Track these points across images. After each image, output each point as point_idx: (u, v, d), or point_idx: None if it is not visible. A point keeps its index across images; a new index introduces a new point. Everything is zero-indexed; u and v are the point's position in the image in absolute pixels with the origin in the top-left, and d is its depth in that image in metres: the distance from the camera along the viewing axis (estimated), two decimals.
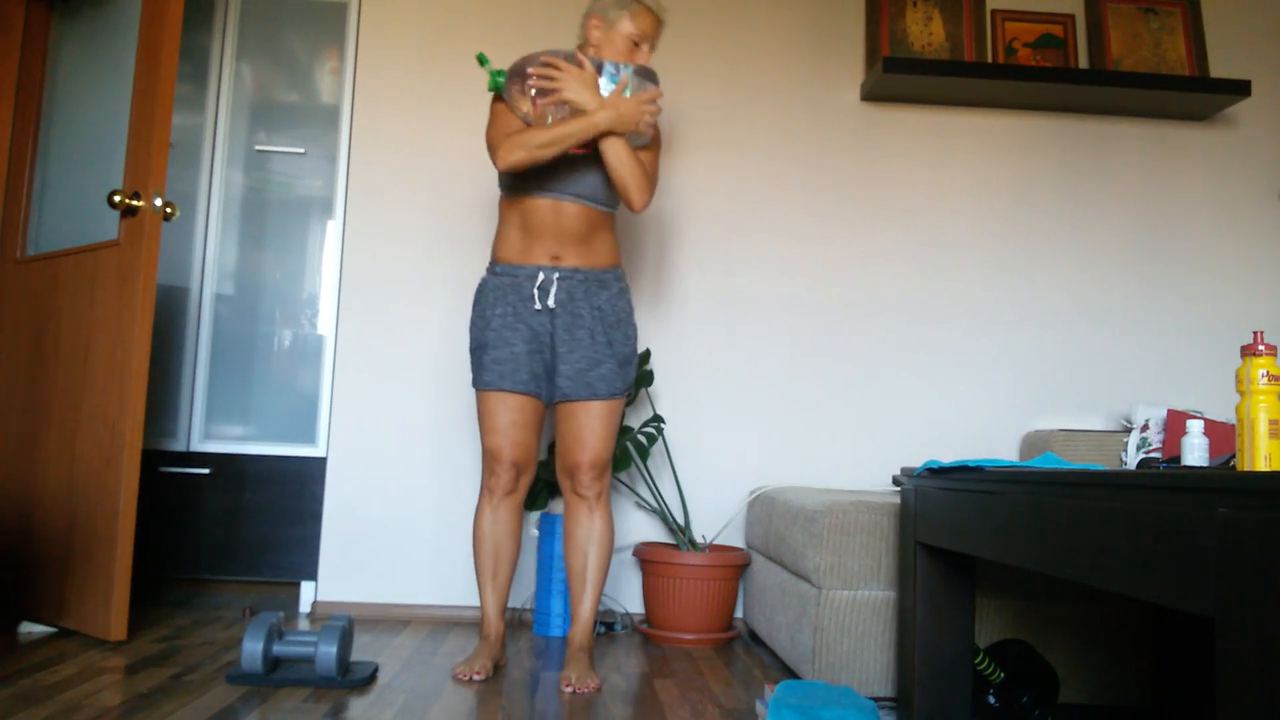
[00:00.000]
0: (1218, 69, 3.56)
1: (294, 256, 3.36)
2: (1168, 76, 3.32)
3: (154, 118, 2.70)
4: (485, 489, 2.55)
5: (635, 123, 2.43)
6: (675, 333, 3.37)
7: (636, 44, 2.55)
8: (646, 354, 3.20)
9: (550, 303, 2.49)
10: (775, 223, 3.44)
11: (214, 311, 3.31)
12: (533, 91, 2.44)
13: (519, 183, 2.50)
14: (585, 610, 2.55)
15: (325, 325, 3.34)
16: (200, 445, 3.27)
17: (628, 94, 2.46)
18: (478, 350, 2.54)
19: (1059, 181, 3.51)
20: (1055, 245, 3.49)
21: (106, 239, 2.80)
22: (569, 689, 2.38)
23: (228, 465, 3.26)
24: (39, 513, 2.85)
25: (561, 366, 2.51)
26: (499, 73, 2.47)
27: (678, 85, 3.44)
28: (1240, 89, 3.32)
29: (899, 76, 3.29)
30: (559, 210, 2.50)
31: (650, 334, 3.37)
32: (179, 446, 3.26)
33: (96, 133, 2.95)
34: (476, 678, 2.43)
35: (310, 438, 3.30)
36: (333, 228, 3.36)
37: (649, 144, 2.55)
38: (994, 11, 3.52)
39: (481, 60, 2.48)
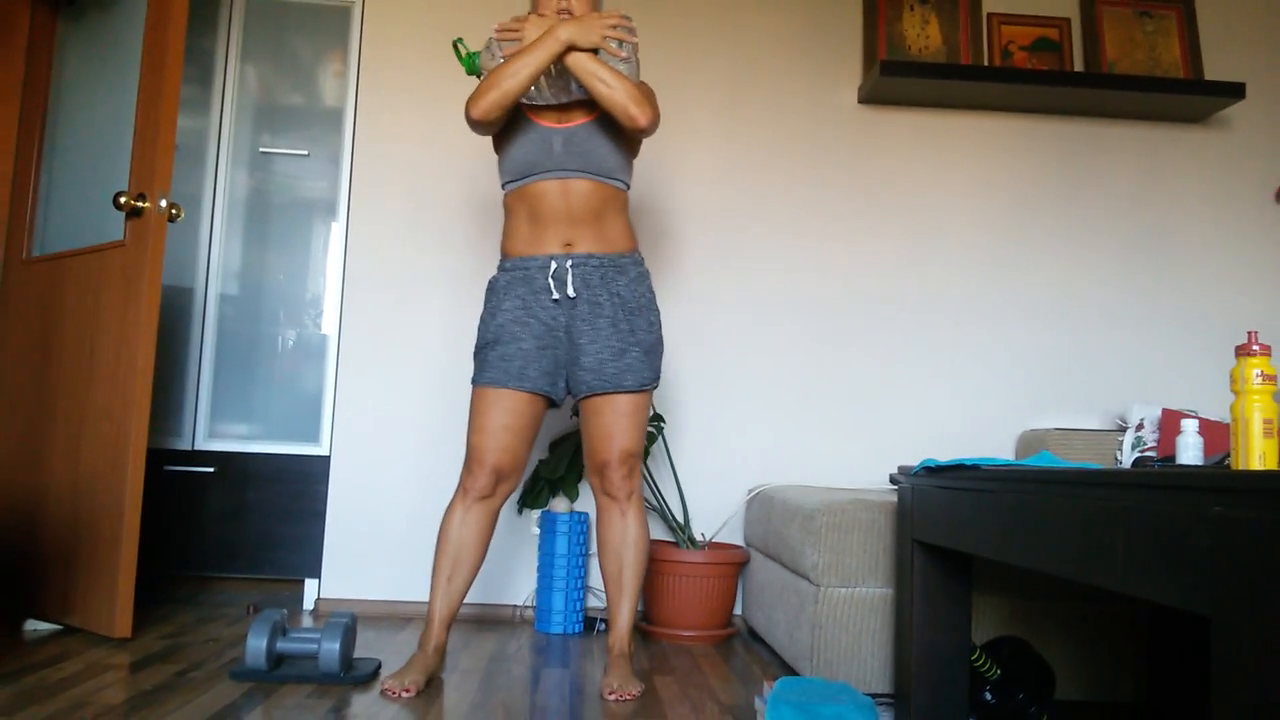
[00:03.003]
0: (1212, 71, 3.58)
1: (298, 257, 3.38)
2: (1163, 79, 3.34)
3: (159, 120, 2.71)
4: (461, 488, 2.39)
5: (600, 36, 2.26)
6: (674, 333, 3.39)
7: None
8: None
9: (570, 291, 2.36)
10: (773, 223, 3.46)
11: (219, 312, 3.33)
12: (499, 51, 2.34)
13: (522, 168, 2.38)
14: (624, 617, 2.44)
15: (329, 325, 3.36)
16: (205, 444, 3.29)
17: None
18: (483, 348, 2.40)
19: (1055, 183, 3.54)
20: (1051, 246, 3.51)
21: (112, 240, 2.81)
22: (612, 696, 2.29)
23: (232, 464, 3.27)
24: (44, 511, 2.86)
25: (583, 359, 2.37)
26: (474, 54, 2.39)
27: (677, 87, 3.46)
28: (1235, 91, 3.34)
29: (896, 79, 3.31)
30: (567, 190, 2.36)
31: None
32: (184, 445, 3.28)
33: (102, 134, 2.96)
34: (406, 694, 2.24)
35: (314, 437, 3.32)
36: (336, 229, 3.38)
37: (632, 73, 2.35)
38: (990, 15, 3.54)
39: (456, 47, 2.42)
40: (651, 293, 2.47)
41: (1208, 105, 3.43)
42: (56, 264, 2.98)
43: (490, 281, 2.48)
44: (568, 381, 2.43)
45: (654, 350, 2.43)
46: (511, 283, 2.41)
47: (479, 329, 2.45)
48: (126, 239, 2.76)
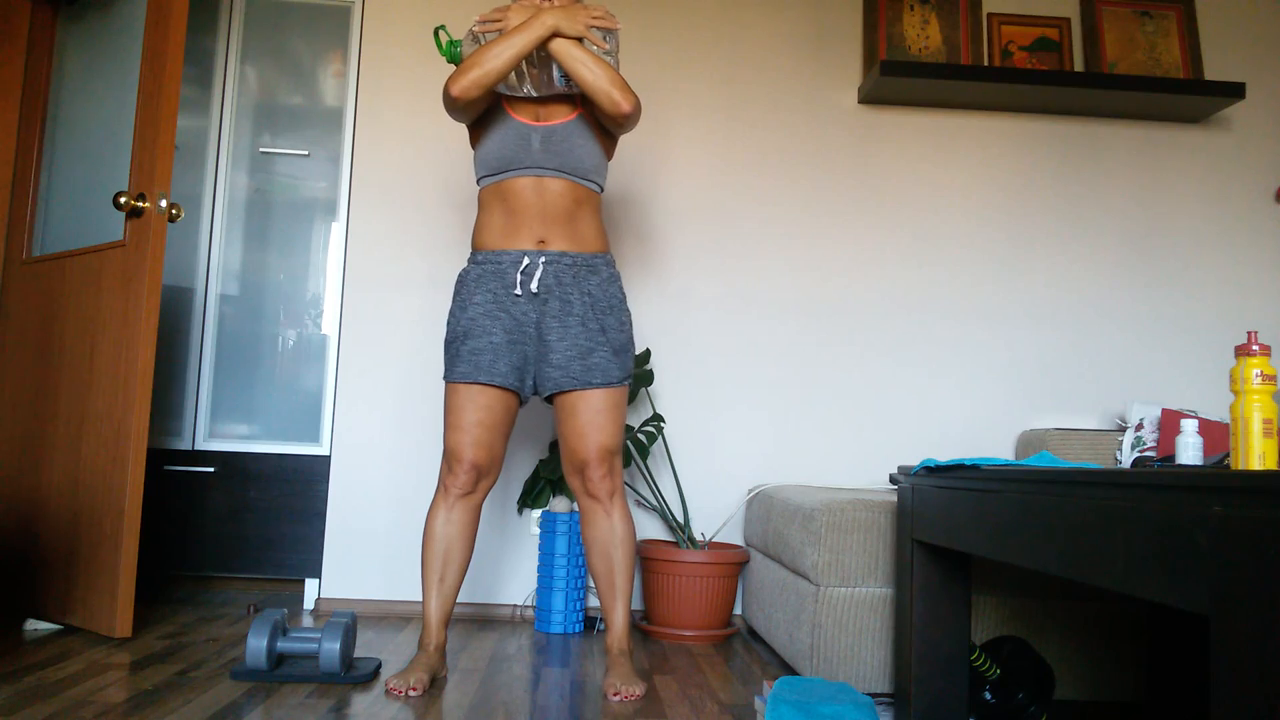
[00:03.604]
0: (1212, 71, 3.59)
1: (298, 257, 3.39)
2: (1162, 79, 3.34)
3: (159, 120, 2.72)
4: (441, 486, 2.40)
5: (584, 26, 2.30)
6: (674, 333, 3.40)
7: None
8: (646, 354, 3.23)
9: (534, 287, 2.36)
10: (773, 223, 3.46)
11: (219, 312, 3.34)
12: (483, 42, 2.35)
13: (499, 163, 2.39)
14: (619, 617, 2.45)
15: (329, 325, 3.37)
16: (205, 444, 3.29)
17: None
18: (453, 342, 2.40)
19: (1055, 183, 3.54)
20: (1051, 246, 3.52)
21: (112, 240, 2.82)
22: (616, 696, 2.29)
23: (232, 464, 3.28)
24: (45, 511, 2.87)
25: (552, 356, 2.37)
26: (455, 42, 2.40)
27: (677, 86, 3.47)
28: (1235, 91, 3.34)
29: (896, 79, 3.31)
30: (543, 188, 2.37)
31: (650, 334, 3.39)
32: (184, 445, 3.29)
33: (102, 134, 2.97)
34: (413, 693, 2.26)
35: (314, 436, 3.33)
36: (336, 229, 3.39)
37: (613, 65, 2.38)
38: (990, 15, 3.55)
39: (437, 34, 2.41)
40: (622, 294, 2.47)
41: (1207, 105, 3.43)
42: (56, 264, 2.98)
43: (460, 274, 2.47)
44: (535, 379, 2.42)
45: (624, 350, 2.43)
46: (483, 276, 2.41)
47: (449, 322, 2.45)
48: (126, 239, 2.76)
